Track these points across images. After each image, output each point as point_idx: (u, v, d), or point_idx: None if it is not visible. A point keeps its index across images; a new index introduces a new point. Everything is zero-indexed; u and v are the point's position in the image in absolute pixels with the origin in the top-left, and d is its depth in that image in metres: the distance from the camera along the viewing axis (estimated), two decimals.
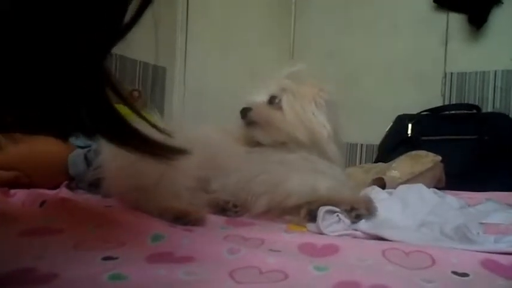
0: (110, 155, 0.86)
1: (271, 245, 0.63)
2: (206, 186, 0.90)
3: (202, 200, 0.87)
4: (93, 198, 0.90)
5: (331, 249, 0.60)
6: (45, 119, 0.35)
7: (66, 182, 1.03)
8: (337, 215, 0.77)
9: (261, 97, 1.00)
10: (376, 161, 1.65)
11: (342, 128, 1.02)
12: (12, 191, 0.93)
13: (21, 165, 0.99)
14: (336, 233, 0.70)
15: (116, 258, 0.51)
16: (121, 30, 0.35)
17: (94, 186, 0.91)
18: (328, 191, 0.82)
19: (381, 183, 1.18)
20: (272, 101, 0.99)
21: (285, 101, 0.97)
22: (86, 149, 1.01)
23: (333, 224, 0.75)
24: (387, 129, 1.78)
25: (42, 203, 0.78)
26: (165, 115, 1.93)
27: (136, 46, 1.86)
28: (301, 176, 0.85)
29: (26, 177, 0.99)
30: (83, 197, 0.93)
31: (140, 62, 1.92)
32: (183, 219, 0.72)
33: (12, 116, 0.35)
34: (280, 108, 0.97)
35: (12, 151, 0.97)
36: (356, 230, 0.72)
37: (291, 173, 0.86)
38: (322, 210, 0.76)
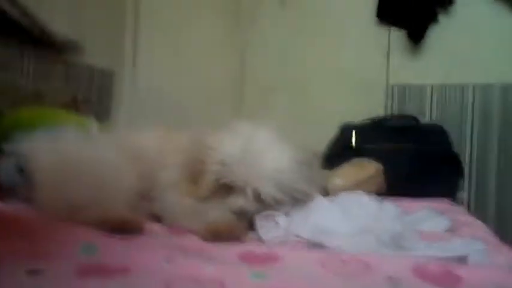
0: (40, 166, 0.83)
1: (210, 253, 0.62)
2: (147, 197, 0.88)
3: (143, 209, 0.85)
4: (26, 209, 0.84)
5: (270, 258, 0.60)
6: None
7: None
8: (274, 220, 0.79)
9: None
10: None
11: None
12: None
13: None
14: (276, 240, 0.70)
15: (41, 271, 0.48)
16: None
17: (28, 199, 0.86)
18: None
19: (325, 192, 1.21)
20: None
21: None
22: (15, 156, 0.94)
23: (271, 230, 0.76)
24: (332, 137, 1.83)
25: None
26: (113, 120, 1.88)
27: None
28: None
29: None
30: (14, 207, 0.87)
31: (86, 65, 1.82)
32: (121, 228, 0.69)
33: None
34: None
35: None
36: (296, 235, 0.73)
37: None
38: (259, 217, 0.76)
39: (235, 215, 0.80)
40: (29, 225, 0.66)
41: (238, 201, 0.82)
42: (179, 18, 2.20)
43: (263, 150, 0.84)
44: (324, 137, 1.87)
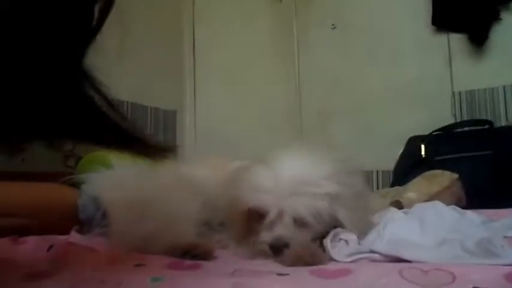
0: (114, 201, 0.87)
1: (279, 272, 0.60)
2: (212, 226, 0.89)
3: (209, 237, 0.85)
4: (102, 243, 0.89)
5: (344, 271, 0.57)
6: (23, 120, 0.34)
7: (76, 227, 1.02)
8: (340, 239, 0.74)
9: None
10: (392, 185, 1.61)
11: None
12: (22, 239, 0.92)
13: (29, 211, 0.98)
14: (352, 258, 0.67)
15: None
16: (90, 31, 0.36)
17: (104, 233, 0.90)
18: None
19: (399, 206, 1.15)
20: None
21: None
22: (91, 193, 1.01)
23: (342, 248, 0.72)
24: (400, 152, 1.75)
25: (50, 248, 0.78)
26: (178, 155, 1.97)
27: (146, 92, 1.92)
28: None
29: (34, 224, 0.98)
30: (92, 241, 0.91)
31: (151, 107, 1.97)
32: (192, 251, 0.70)
33: None
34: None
35: (18, 196, 0.97)
36: (372, 252, 0.68)
37: None
38: (327, 239, 0.73)
39: (272, 247, 0.74)
40: (102, 257, 0.69)
41: (274, 231, 0.75)
42: (234, 57, 2.29)
43: (298, 174, 0.77)
44: (390, 155, 1.80)
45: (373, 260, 0.67)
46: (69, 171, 1.25)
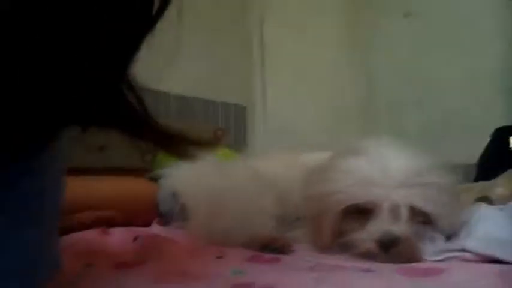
0: (192, 194, 0.89)
1: (364, 268, 0.57)
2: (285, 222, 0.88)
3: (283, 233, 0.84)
4: (183, 235, 0.91)
5: (434, 270, 0.53)
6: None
7: (157, 219, 1.07)
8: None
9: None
10: (476, 180, 1.49)
11: None
12: (110, 230, 0.98)
13: (115, 204, 1.04)
14: (441, 256, 0.62)
15: None
16: (150, 21, 0.33)
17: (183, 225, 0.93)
18: None
19: (487, 202, 1.06)
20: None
21: None
22: (170, 186, 1.04)
23: (429, 247, 0.67)
24: (485, 145, 1.62)
25: (135, 239, 0.81)
26: (249, 148, 2.00)
27: (216, 88, 1.96)
28: None
29: (120, 216, 1.04)
30: (174, 232, 0.95)
31: (221, 103, 2.00)
32: (271, 245, 0.69)
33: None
34: None
35: (105, 190, 1.02)
36: (463, 250, 0.63)
37: None
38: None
39: (381, 244, 0.66)
40: (183, 248, 0.71)
41: (381, 225, 0.67)
42: (304, 51, 2.26)
43: (407, 164, 0.70)
44: (471, 148, 1.68)
45: (464, 260, 0.62)
46: (147, 167, 1.30)
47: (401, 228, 0.66)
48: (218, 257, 0.65)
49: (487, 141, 1.63)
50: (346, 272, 0.56)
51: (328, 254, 0.72)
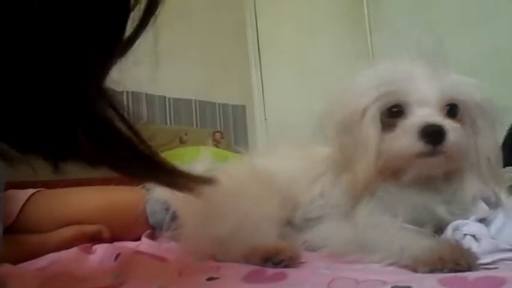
0: (182, 202, 0.78)
1: (395, 282, 0.45)
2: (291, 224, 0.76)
3: (290, 238, 0.72)
4: (173, 249, 0.80)
5: (491, 281, 0.40)
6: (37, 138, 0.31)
7: (147, 232, 0.96)
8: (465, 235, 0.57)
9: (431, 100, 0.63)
10: (504, 166, 1.35)
11: None
12: (94, 247, 0.88)
13: (101, 217, 0.94)
14: (492, 258, 0.49)
15: None
16: (122, 44, 0.32)
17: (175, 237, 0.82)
18: None
19: None
20: (453, 112, 0.63)
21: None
22: (161, 196, 0.94)
23: (470, 245, 0.54)
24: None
25: (117, 257, 0.70)
26: (250, 147, 1.90)
27: (214, 90, 1.90)
28: None
29: (107, 231, 0.94)
30: (162, 248, 0.83)
31: (219, 104, 1.93)
32: (274, 257, 0.57)
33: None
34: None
35: (91, 204, 0.95)
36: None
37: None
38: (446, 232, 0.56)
39: (424, 132, 0.57)
40: (170, 268, 0.60)
41: (420, 114, 0.59)
42: (300, 44, 2.17)
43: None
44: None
45: None
46: None
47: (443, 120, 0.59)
48: (209, 279, 0.53)
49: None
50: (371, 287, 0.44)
51: (347, 257, 0.59)
